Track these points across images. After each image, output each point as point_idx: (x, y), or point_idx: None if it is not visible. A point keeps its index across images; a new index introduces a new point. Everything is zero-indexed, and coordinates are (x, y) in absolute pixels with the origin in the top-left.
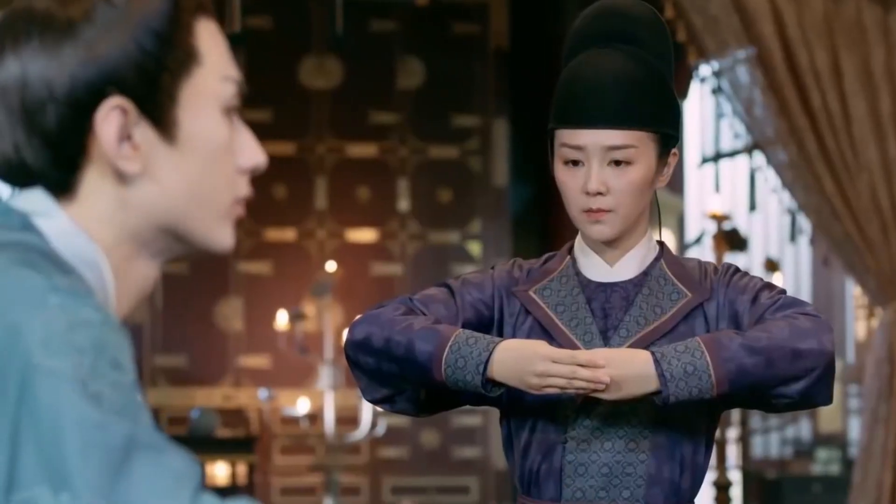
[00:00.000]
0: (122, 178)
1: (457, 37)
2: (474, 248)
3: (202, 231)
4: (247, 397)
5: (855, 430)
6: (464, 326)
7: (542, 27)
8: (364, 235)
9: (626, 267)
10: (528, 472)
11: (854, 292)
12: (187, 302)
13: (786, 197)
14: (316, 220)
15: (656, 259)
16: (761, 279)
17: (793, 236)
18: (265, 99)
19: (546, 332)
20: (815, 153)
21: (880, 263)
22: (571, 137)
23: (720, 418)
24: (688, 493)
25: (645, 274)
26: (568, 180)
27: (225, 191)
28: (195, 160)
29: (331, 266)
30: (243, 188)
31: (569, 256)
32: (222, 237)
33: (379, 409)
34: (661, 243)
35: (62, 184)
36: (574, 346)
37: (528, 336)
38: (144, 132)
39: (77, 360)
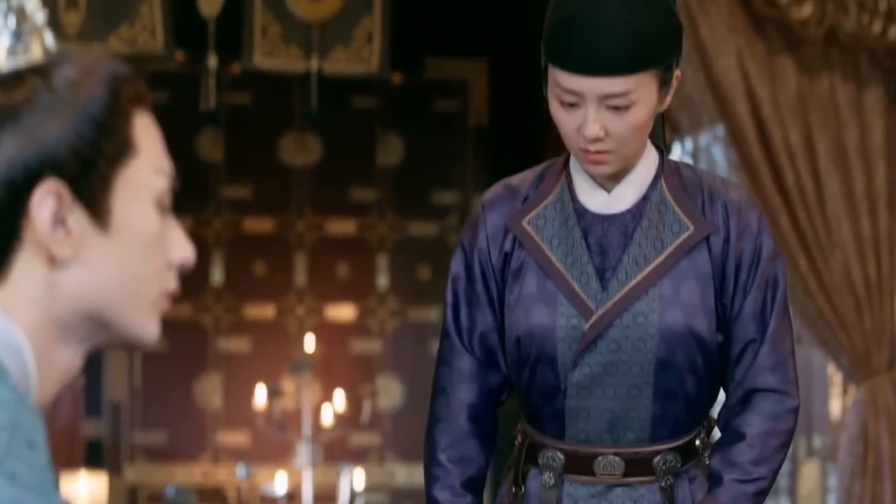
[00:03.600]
0: (53, 261)
1: (437, 113)
2: None
3: (128, 321)
4: (226, 474)
5: None
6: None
7: (522, 104)
8: (343, 312)
9: (625, 194)
10: (532, 410)
11: (828, 370)
12: (166, 378)
13: None
14: (295, 297)
15: (656, 177)
16: (772, 256)
17: None
18: (245, 175)
19: (541, 269)
20: (789, 231)
21: (854, 342)
22: (566, 81)
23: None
24: (696, 424)
25: (644, 199)
26: (564, 120)
27: (154, 283)
28: (126, 250)
29: (310, 343)
30: (172, 282)
31: (563, 175)
32: (148, 329)
33: (357, 486)
34: (660, 152)
35: None
36: (571, 292)
37: (525, 275)
38: (78, 218)
39: None
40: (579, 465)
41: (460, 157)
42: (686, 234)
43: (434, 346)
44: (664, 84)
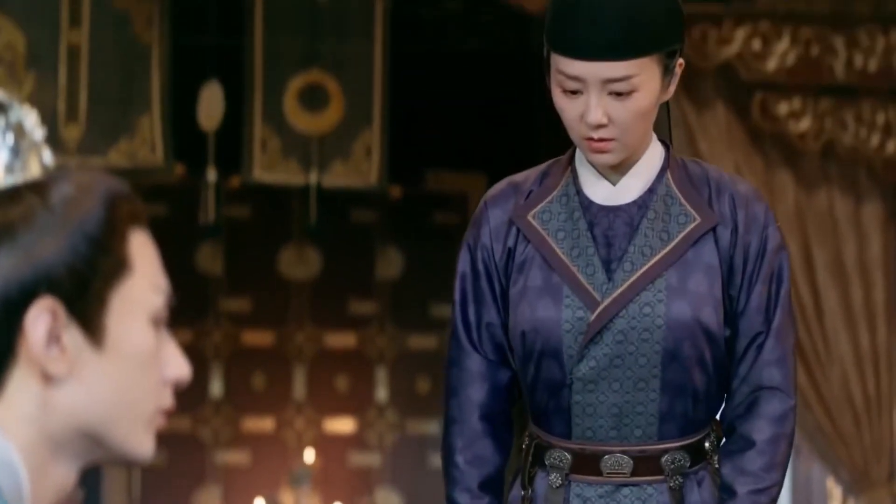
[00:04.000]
0: (47, 379)
1: (436, 226)
2: None
3: (123, 438)
4: None
5: None
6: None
7: None
8: (342, 425)
9: (630, 184)
10: (538, 408)
11: (827, 483)
12: (165, 491)
13: None
14: (294, 410)
15: (662, 170)
16: (778, 249)
17: None
18: (244, 288)
19: (546, 263)
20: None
21: (853, 455)
22: (568, 66)
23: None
24: (704, 422)
25: (650, 191)
26: (566, 108)
27: (149, 400)
28: (121, 367)
29: (309, 456)
30: (167, 399)
31: (569, 170)
32: (143, 446)
33: None
34: (666, 147)
35: None
36: (576, 283)
37: (530, 268)
38: (73, 335)
39: None
40: (586, 464)
41: None
42: (693, 225)
43: (434, 459)
44: (667, 71)
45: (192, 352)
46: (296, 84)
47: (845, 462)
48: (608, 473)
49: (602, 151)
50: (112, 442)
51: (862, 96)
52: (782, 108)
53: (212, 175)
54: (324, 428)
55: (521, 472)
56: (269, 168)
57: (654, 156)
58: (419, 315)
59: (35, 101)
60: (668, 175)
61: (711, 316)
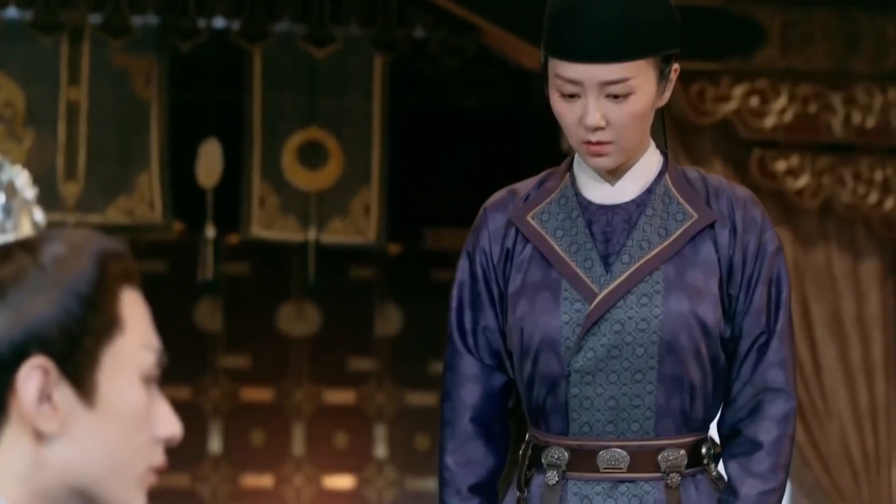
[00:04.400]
0: (39, 437)
1: (435, 283)
2: None
3: (114, 496)
4: None
5: None
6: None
7: None
8: (341, 482)
9: (629, 186)
10: (535, 406)
11: None
12: None
13: None
14: (293, 466)
15: (660, 174)
16: (777, 252)
17: None
18: (243, 345)
19: (545, 260)
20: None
21: None
22: (566, 70)
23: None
24: (700, 422)
25: (648, 192)
26: (565, 112)
27: (140, 458)
28: (112, 425)
29: None
30: (158, 457)
31: (568, 174)
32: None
33: None
34: (665, 155)
35: None
36: (574, 275)
37: (528, 266)
38: (64, 393)
39: None
40: (583, 460)
41: None
42: (690, 222)
43: None
44: (663, 76)
45: (191, 408)
46: (294, 141)
47: None
48: (605, 469)
49: (600, 154)
50: (103, 500)
51: (860, 153)
52: (780, 165)
53: (210, 232)
54: (323, 485)
55: (518, 476)
56: (267, 225)
57: (651, 160)
58: (418, 372)
59: (34, 158)
60: (667, 177)
61: (708, 310)
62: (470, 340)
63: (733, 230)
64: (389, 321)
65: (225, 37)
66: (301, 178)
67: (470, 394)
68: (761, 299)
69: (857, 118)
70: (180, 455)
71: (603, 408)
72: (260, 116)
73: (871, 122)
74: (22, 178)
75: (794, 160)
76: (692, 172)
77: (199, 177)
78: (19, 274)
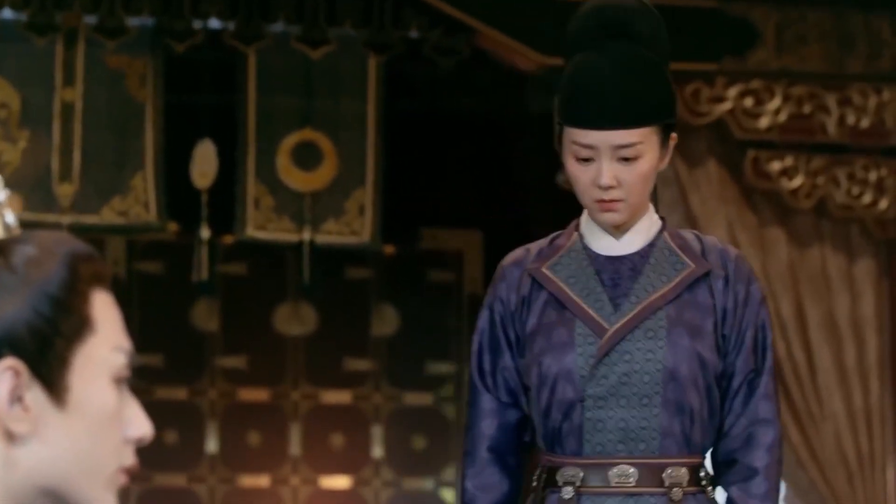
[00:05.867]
0: (10, 437)
1: (431, 284)
2: (448, 495)
3: (85, 497)
4: None
5: None
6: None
7: None
8: (338, 482)
9: (633, 240)
10: (551, 431)
11: None
12: None
13: None
14: (290, 467)
15: (659, 232)
16: (763, 300)
17: None
18: (240, 346)
19: (560, 304)
20: (781, 403)
21: None
22: (582, 137)
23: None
24: (699, 447)
25: (651, 245)
26: (580, 175)
27: (110, 459)
28: (83, 426)
29: None
30: (129, 457)
31: (576, 233)
32: None
33: None
34: (662, 218)
35: None
36: (587, 315)
37: (544, 310)
38: (36, 395)
39: None
40: (596, 476)
41: (455, 328)
42: (688, 270)
43: None
44: (664, 143)
45: (188, 409)
46: (289, 142)
47: None
48: (616, 483)
49: (611, 210)
50: (74, 500)
51: (854, 154)
52: (775, 165)
53: (205, 233)
54: (319, 485)
55: (534, 496)
56: (262, 226)
57: (652, 220)
58: (415, 372)
59: (29, 159)
60: (665, 234)
61: (705, 346)
62: (489, 380)
63: (726, 280)
64: (386, 322)
65: (219, 38)
66: (296, 179)
67: (487, 426)
68: (751, 340)
69: (851, 119)
70: (177, 455)
71: (614, 429)
72: (254, 117)
73: (865, 123)
74: None
75: (789, 160)
76: (688, 233)
77: (194, 178)
78: None
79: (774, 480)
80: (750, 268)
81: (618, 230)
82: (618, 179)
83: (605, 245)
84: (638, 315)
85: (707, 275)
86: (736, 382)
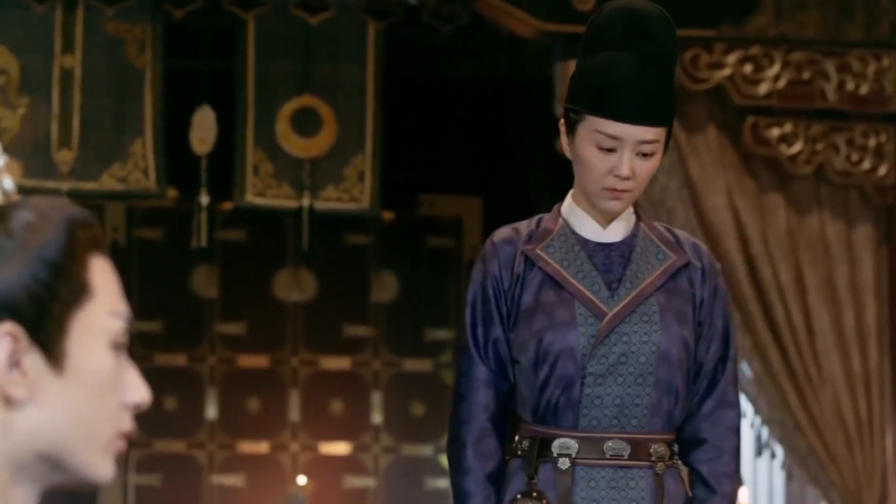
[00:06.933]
0: (8, 402)
1: (431, 250)
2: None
3: (82, 461)
4: None
5: None
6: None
7: None
8: (337, 448)
9: (617, 229)
10: (546, 404)
11: None
12: None
13: (749, 411)
14: (289, 433)
15: (636, 224)
16: (727, 295)
17: (759, 451)
18: (239, 312)
19: (556, 283)
20: (780, 367)
21: (845, 478)
22: (610, 128)
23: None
24: (675, 424)
25: (633, 235)
26: (598, 163)
27: (108, 424)
28: (81, 391)
29: (302, 479)
30: (126, 423)
31: (560, 218)
32: (102, 469)
33: None
34: (636, 211)
35: None
36: (585, 297)
37: (540, 289)
38: (34, 360)
39: None
40: (591, 449)
41: (454, 294)
42: (669, 261)
43: (428, 482)
44: (666, 144)
45: (188, 375)
46: (288, 108)
47: (837, 485)
48: (610, 457)
49: (617, 199)
50: (71, 465)
51: (853, 120)
52: (774, 131)
53: (204, 199)
54: (319, 451)
55: (528, 465)
56: (261, 192)
57: (630, 211)
58: (414, 339)
59: (28, 125)
60: (643, 225)
61: (688, 331)
62: (482, 350)
63: (703, 272)
64: (385, 288)
65: (219, 4)
66: (295, 145)
67: (485, 396)
68: (721, 329)
69: (850, 85)
70: (177, 421)
71: (610, 405)
72: (253, 83)
73: (864, 89)
74: None
75: (788, 127)
76: (660, 225)
77: (193, 144)
78: None
79: (738, 461)
80: (714, 263)
81: (604, 218)
82: (633, 171)
83: (592, 231)
84: (634, 300)
85: (686, 266)
86: (708, 367)
